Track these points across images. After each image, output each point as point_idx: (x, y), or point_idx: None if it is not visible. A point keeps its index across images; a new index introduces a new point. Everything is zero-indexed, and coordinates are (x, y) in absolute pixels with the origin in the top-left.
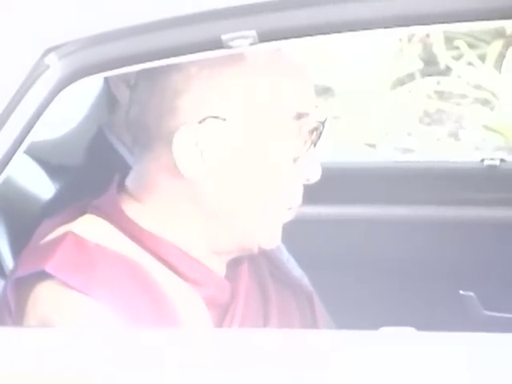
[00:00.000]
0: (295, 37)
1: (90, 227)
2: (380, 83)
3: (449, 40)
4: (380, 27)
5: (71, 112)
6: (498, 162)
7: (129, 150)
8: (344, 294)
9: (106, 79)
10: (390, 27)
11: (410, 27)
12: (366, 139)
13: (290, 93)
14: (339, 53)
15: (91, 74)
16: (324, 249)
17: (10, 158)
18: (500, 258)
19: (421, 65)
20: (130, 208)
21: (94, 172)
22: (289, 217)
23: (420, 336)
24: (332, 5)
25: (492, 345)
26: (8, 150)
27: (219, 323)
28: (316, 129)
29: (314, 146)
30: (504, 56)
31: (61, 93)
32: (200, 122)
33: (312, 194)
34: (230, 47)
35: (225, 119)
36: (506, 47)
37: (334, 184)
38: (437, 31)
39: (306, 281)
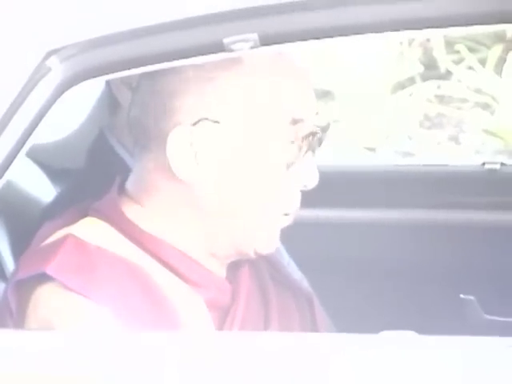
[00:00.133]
0: (296, 40)
1: (90, 230)
2: (380, 87)
3: (449, 44)
4: (381, 31)
5: (72, 115)
6: (498, 166)
7: (129, 153)
8: (344, 298)
9: (108, 82)
10: (390, 31)
11: (411, 31)
12: (366, 143)
13: (286, 97)
14: (340, 56)
15: (93, 76)
16: (324, 252)
17: (12, 161)
18: (501, 261)
19: (421, 69)
20: (131, 210)
21: (95, 175)
22: (286, 222)
23: (420, 340)
24: (333, 9)
25: (492, 349)
26: (9, 152)
27: (220, 325)
28: (312, 134)
29: (313, 152)
30: (504, 60)
31: (62, 95)
32: (194, 124)
33: (312, 197)
34: (232, 50)
35: (218, 122)
36: (506, 51)
37: (335, 187)
38: (437, 35)
39: (306, 284)
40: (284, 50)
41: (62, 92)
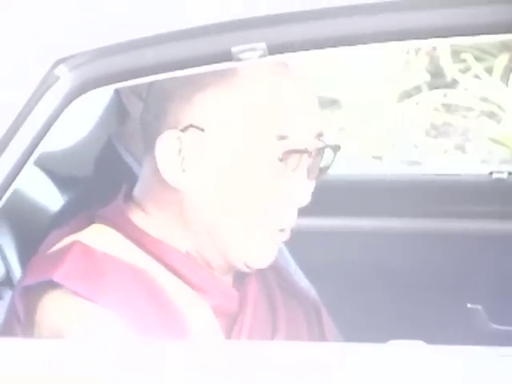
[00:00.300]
0: (304, 50)
1: (97, 236)
2: (387, 95)
3: (456, 53)
4: (387, 40)
5: (80, 123)
6: (506, 175)
7: (137, 161)
8: (350, 307)
9: (117, 90)
10: (397, 40)
11: (417, 40)
12: (372, 151)
13: (274, 112)
14: (346, 65)
15: (101, 85)
16: (330, 261)
17: (20, 169)
18: (508, 271)
19: (428, 77)
20: (137, 216)
21: (103, 183)
22: (282, 237)
23: (428, 349)
24: (340, 18)
25: (500, 358)
26: (18, 161)
27: (228, 333)
28: (300, 152)
29: (310, 171)
30: (511, 69)
31: (71, 104)
32: (183, 130)
33: (319, 205)
34: (240, 60)
35: (203, 130)
36: None
37: (341, 196)
38: (444, 44)
39: (313, 292)
40: (288, 61)
41: (71, 101)
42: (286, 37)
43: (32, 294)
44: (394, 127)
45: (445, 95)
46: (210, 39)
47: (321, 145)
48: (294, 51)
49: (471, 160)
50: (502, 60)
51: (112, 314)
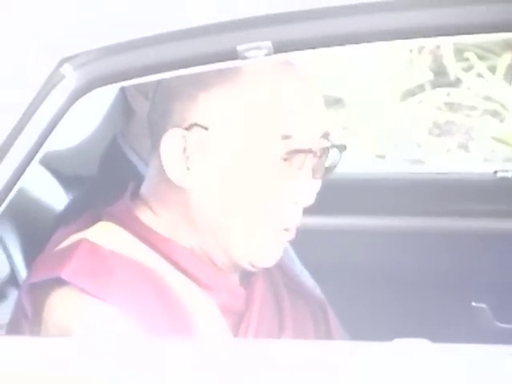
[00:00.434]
0: (309, 48)
1: (104, 234)
2: (390, 94)
3: (459, 52)
4: (391, 39)
5: (85, 121)
6: (510, 174)
7: (143, 160)
8: (356, 306)
9: (123, 89)
10: (400, 39)
11: (420, 39)
12: (375, 150)
13: (278, 112)
14: (350, 64)
15: (106, 84)
16: (334, 259)
17: (25, 168)
18: None
19: (431, 76)
20: (144, 214)
21: (108, 182)
22: (287, 237)
23: (433, 347)
24: (344, 17)
25: (505, 356)
26: (23, 159)
27: (234, 331)
28: (305, 152)
29: (315, 171)
30: None
31: (76, 103)
32: (187, 129)
33: (322, 204)
34: (246, 58)
35: (207, 128)
36: None
37: (344, 195)
38: (447, 43)
39: (319, 292)
40: (294, 60)
41: (76, 99)
42: (292, 35)
43: (39, 291)
44: (397, 126)
45: (448, 94)
46: (215, 38)
47: (326, 144)
48: (299, 50)
49: (474, 159)
50: (506, 59)
51: (119, 311)
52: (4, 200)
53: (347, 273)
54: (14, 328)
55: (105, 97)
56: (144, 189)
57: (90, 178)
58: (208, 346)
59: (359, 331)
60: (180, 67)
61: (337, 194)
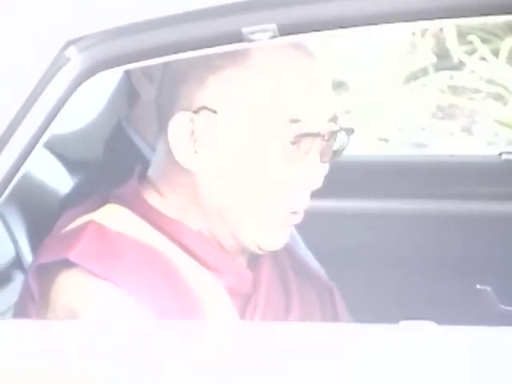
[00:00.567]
0: (314, 31)
1: (112, 216)
2: (393, 77)
3: (462, 35)
4: (394, 21)
5: (89, 105)
6: None
7: (147, 143)
8: (360, 288)
9: (128, 73)
10: (404, 21)
11: (424, 22)
12: (378, 134)
13: (287, 95)
14: (353, 48)
15: (111, 66)
16: (338, 242)
17: (30, 152)
18: None
19: (434, 59)
20: (152, 197)
21: (113, 165)
22: (295, 220)
23: (439, 330)
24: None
25: (509, 338)
26: (28, 143)
27: (241, 314)
28: (313, 136)
29: (323, 154)
30: None
31: (81, 86)
32: (195, 112)
33: (325, 187)
34: (251, 40)
35: (216, 112)
36: None
37: (347, 178)
38: (450, 26)
39: (323, 274)
40: (303, 43)
41: (81, 82)
42: (297, 18)
43: (47, 272)
44: (400, 109)
45: (451, 77)
46: (220, 20)
47: (335, 128)
48: (304, 32)
49: (478, 142)
50: (509, 42)
51: (127, 293)
52: (9, 184)
53: (350, 255)
54: (20, 310)
55: (109, 80)
56: (151, 172)
57: (94, 162)
58: (215, 328)
59: (364, 314)
60: (185, 50)
61: (339, 177)
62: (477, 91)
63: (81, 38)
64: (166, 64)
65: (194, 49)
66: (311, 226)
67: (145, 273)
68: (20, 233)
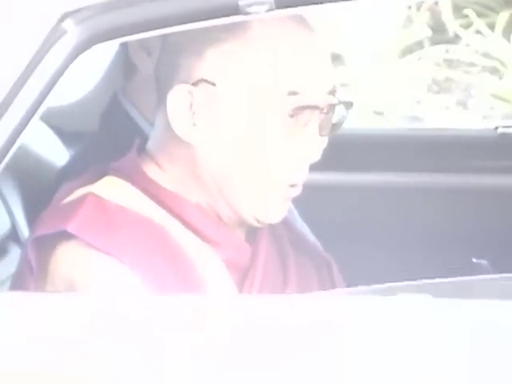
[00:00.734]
0: (311, 3)
1: (111, 188)
2: (389, 51)
3: (457, 8)
4: None
5: (85, 77)
6: (511, 130)
7: (143, 116)
8: (356, 262)
9: (126, 46)
10: None
11: None
12: (374, 107)
13: (286, 68)
14: (349, 21)
15: (108, 39)
16: (334, 216)
17: (26, 124)
18: None
19: (429, 33)
20: (151, 170)
21: (109, 138)
22: (293, 193)
23: (436, 302)
24: None
25: (505, 312)
26: (24, 115)
27: (239, 287)
28: (311, 108)
29: (322, 127)
30: None
31: (77, 58)
32: (194, 84)
33: (320, 160)
34: (248, 13)
35: (214, 84)
36: None
37: (343, 151)
38: None
39: (320, 248)
40: (303, 15)
41: (77, 55)
42: None
43: (45, 244)
44: (396, 83)
45: (447, 51)
46: None
47: (333, 101)
48: (301, 5)
49: (473, 116)
50: (504, 15)
51: (125, 265)
52: (5, 156)
53: (346, 229)
54: (18, 282)
55: (105, 53)
56: (150, 144)
57: (90, 134)
58: (214, 300)
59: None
60: (181, 22)
61: (334, 151)
62: (472, 65)
63: (77, 10)
64: (164, 37)
65: (190, 21)
66: (308, 199)
67: (144, 246)
68: (16, 205)
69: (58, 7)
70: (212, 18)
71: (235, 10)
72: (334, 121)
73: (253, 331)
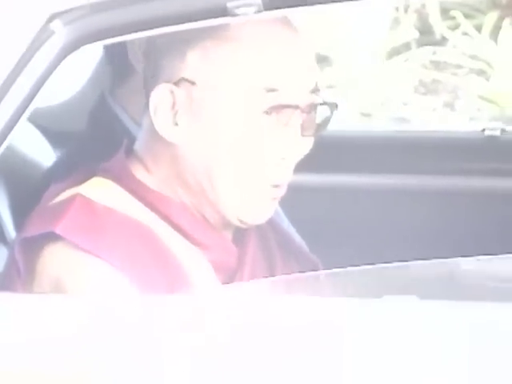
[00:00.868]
0: (299, 5)
1: (99, 190)
2: (376, 53)
3: (445, 10)
4: None
5: (73, 78)
6: (498, 132)
7: (130, 116)
8: (344, 264)
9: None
10: None
11: None
12: (361, 108)
13: (265, 65)
14: (336, 22)
15: (96, 40)
16: (321, 218)
17: (14, 125)
18: (500, 228)
19: (417, 34)
20: (139, 171)
21: (96, 138)
22: (277, 194)
23: (422, 304)
24: None
25: (494, 314)
26: (11, 116)
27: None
28: (291, 108)
29: (305, 127)
30: (500, 26)
31: (65, 59)
32: (176, 84)
33: (307, 162)
34: (236, 15)
35: (195, 83)
36: (501, 18)
37: (329, 153)
38: (433, 1)
39: (307, 250)
40: (285, 17)
41: (65, 55)
42: None
43: (33, 245)
44: (383, 84)
45: (434, 52)
46: None
47: (316, 100)
48: (289, 7)
49: (460, 118)
50: (491, 17)
51: (113, 267)
52: None
53: (333, 230)
54: (5, 284)
55: (93, 53)
56: (138, 146)
57: (77, 135)
58: (201, 301)
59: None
60: (170, 24)
61: (322, 152)
62: (459, 67)
63: (66, 11)
64: (149, 38)
65: (179, 23)
66: (294, 200)
67: (132, 247)
68: (2, 206)
69: (47, 8)
70: (200, 20)
71: (223, 12)
72: (318, 121)
73: (248, 333)
